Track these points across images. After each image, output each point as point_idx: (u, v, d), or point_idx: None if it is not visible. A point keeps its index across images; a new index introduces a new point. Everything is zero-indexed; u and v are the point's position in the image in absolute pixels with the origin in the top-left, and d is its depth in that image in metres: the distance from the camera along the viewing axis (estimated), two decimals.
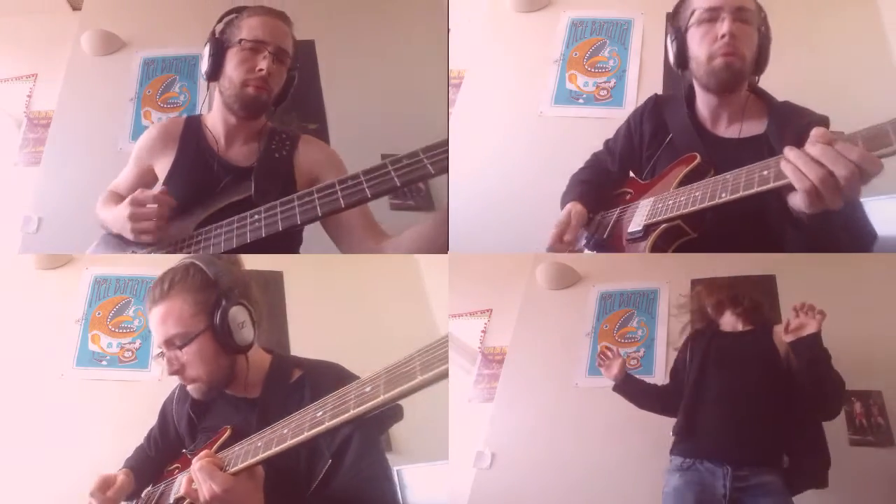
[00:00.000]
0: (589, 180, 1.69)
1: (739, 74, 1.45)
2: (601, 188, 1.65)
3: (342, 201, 1.28)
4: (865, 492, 1.79)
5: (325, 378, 1.27)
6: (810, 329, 1.56)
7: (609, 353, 1.95)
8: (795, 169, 1.11)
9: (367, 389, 0.94)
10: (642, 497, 2.14)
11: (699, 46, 1.46)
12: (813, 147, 1.11)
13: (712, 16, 1.43)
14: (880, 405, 2.08)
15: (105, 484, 1.37)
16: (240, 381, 1.33)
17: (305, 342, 2.33)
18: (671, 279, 2.45)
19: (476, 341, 2.61)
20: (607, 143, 1.75)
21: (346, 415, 0.95)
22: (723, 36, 1.41)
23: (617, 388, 1.94)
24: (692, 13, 1.45)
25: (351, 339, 2.25)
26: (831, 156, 1.09)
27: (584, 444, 2.27)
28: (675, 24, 1.52)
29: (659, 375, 2.31)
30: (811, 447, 1.65)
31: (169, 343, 1.29)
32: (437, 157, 1.23)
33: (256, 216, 1.36)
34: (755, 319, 1.80)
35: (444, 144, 1.23)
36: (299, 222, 1.32)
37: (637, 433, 2.21)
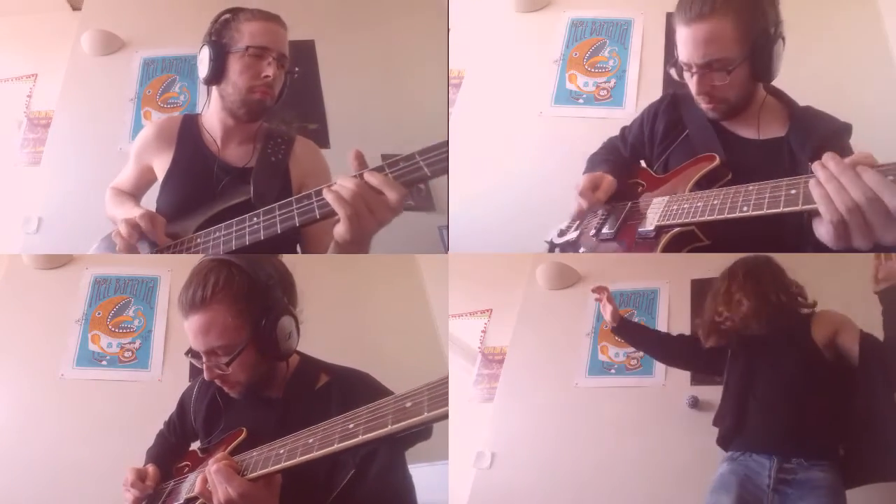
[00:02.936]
0: (610, 161, 1.64)
1: (731, 111, 1.47)
2: (619, 171, 1.59)
3: None
4: (865, 492, 1.78)
5: (356, 388, 1.26)
6: None
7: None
8: (825, 195, 1.04)
9: (408, 405, 0.89)
10: (643, 496, 2.15)
11: (691, 89, 1.46)
12: (829, 162, 1.05)
13: (689, 68, 1.42)
14: None
15: (140, 475, 1.35)
16: (275, 383, 1.32)
17: (305, 342, 2.32)
18: (671, 279, 2.45)
19: (476, 341, 2.61)
20: (623, 129, 1.72)
21: (383, 430, 0.90)
22: (698, 94, 1.43)
23: (617, 331, 1.88)
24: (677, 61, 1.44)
25: (351, 339, 2.25)
26: (849, 176, 1.02)
27: (584, 443, 2.27)
28: (672, 54, 1.49)
29: (659, 375, 2.30)
30: (872, 434, 1.58)
31: (210, 353, 1.24)
32: (433, 158, 1.20)
33: (255, 219, 1.36)
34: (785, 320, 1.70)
35: (444, 146, 1.20)
36: (297, 224, 1.30)
37: (636, 433, 2.22)
